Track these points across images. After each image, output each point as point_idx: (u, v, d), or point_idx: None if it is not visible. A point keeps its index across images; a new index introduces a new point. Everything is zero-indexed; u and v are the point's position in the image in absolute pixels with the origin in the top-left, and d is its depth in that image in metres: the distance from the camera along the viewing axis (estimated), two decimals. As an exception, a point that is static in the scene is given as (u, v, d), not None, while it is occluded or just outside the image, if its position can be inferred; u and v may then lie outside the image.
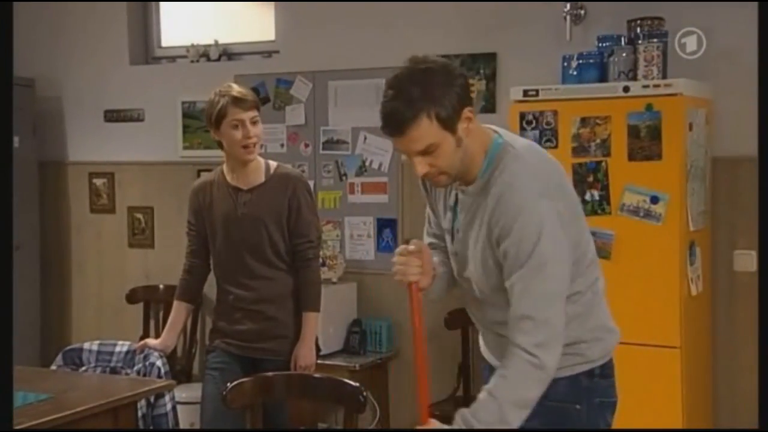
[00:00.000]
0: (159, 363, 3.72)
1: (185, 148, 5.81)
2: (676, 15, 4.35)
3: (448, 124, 2.29)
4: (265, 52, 5.70)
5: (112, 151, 6.03)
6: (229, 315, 3.76)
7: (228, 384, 3.04)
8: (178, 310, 3.87)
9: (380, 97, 2.31)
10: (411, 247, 2.48)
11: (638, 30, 4.30)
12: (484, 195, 2.36)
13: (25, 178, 5.85)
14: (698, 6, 4.38)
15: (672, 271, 4.01)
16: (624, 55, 4.24)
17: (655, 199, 4.01)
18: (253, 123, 3.65)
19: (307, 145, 5.44)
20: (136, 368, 3.74)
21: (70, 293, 6.25)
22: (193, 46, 5.88)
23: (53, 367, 3.86)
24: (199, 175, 4.39)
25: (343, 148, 5.33)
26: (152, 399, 3.59)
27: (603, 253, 3.86)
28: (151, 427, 3.60)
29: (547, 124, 4.23)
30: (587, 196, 4.10)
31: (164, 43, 6.13)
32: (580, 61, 4.30)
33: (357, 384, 2.91)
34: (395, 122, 2.28)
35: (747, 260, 4.37)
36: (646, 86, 4.07)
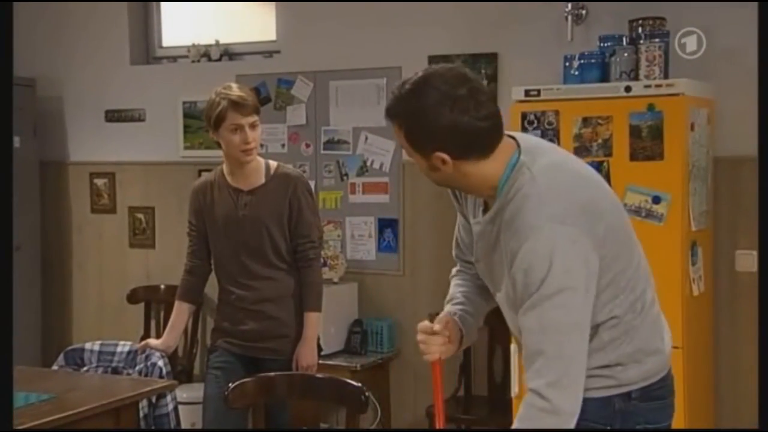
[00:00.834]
0: (160, 363, 3.72)
1: (186, 148, 5.81)
2: (677, 15, 4.35)
3: (416, 149, 2.18)
4: (266, 52, 5.70)
5: (113, 151, 6.03)
6: (232, 315, 3.76)
7: (230, 383, 3.03)
8: (180, 311, 3.87)
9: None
10: (436, 327, 2.37)
11: (640, 30, 4.30)
12: (498, 221, 2.21)
13: (26, 178, 5.85)
14: (699, 6, 4.38)
15: (674, 271, 4.00)
16: (625, 55, 4.23)
17: (656, 199, 4.01)
18: (252, 127, 3.62)
19: (308, 145, 5.43)
20: (137, 368, 3.74)
21: (71, 293, 6.24)
22: (194, 46, 5.87)
23: (55, 368, 3.87)
24: (200, 175, 4.37)
25: (344, 148, 5.33)
26: (154, 399, 3.60)
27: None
28: (153, 428, 3.60)
29: (549, 124, 4.22)
30: (589, 196, 4.09)
31: (165, 43, 6.13)
32: (582, 61, 4.30)
33: (359, 384, 2.91)
34: (387, 108, 2.23)
35: (749, 260, 4.36)
36: (647, 86, 4.06)
